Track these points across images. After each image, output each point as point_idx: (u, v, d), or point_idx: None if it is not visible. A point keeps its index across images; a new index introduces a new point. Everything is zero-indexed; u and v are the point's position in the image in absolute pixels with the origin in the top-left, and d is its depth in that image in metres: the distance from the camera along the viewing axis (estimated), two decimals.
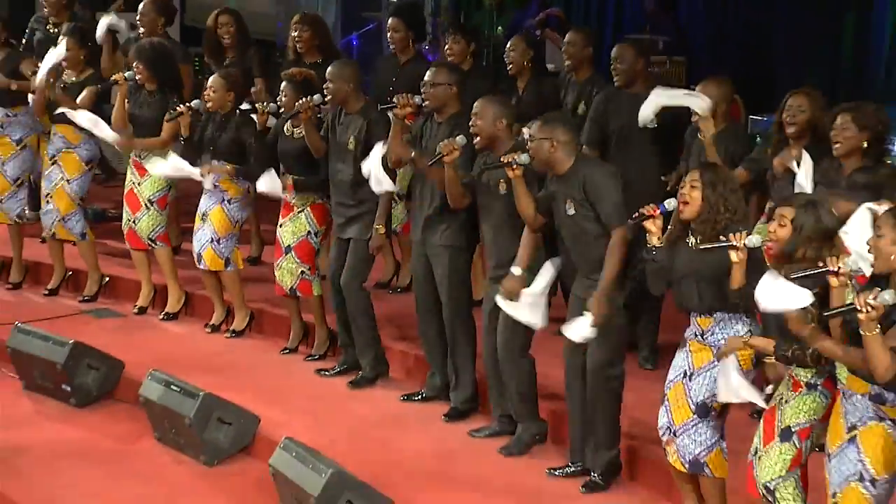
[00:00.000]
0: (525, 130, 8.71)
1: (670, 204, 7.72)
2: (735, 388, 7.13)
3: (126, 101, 11.42)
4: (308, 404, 10.05)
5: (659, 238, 7.65)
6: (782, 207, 7.02)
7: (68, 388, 10.33)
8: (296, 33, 12.08)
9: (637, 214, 7.83)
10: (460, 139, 8.87)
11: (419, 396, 10.05)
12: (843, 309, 6.10)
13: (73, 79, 11.80)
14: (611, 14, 15.57)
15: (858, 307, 5.90)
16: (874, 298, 5.86)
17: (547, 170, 8.49)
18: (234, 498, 9.06)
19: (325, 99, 10.06)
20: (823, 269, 6.36)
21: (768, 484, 7.05)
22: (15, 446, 9.61)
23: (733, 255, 6.99)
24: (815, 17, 13.75)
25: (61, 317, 11.60)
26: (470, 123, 9.00)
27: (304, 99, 9.94)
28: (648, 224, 7.67)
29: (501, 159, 8.53)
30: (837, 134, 8.39)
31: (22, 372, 10.63)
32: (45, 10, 13.16)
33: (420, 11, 13.29)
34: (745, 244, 6.95)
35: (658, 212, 7.70)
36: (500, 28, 15.38)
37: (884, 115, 8.65)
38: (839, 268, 6.26)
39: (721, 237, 7.18)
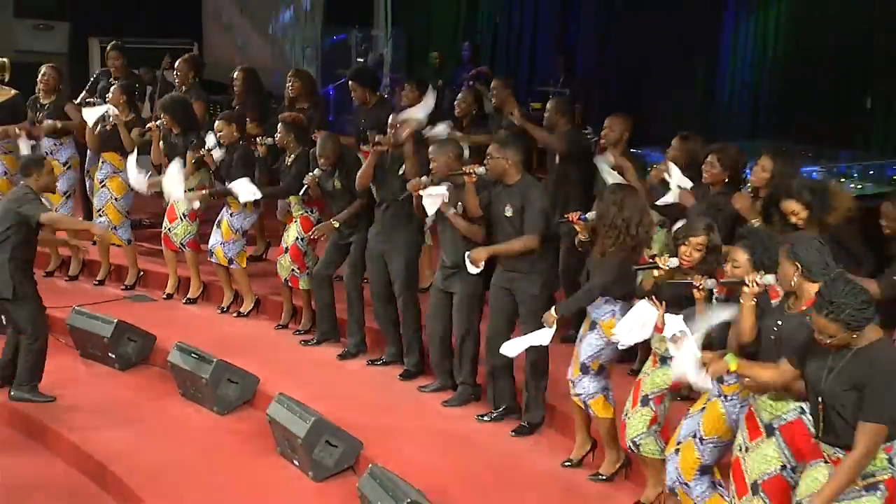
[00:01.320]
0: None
1: (591, 215, 7.84)
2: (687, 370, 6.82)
3: (160, 142, 11.55)
4: (296, 367, 10.15)
5: (585, 235, 7.86)
6: (696, 235, 7.03)
7: (113, 356, 10.47)
8: (290, 84, 12.11)
9: (563, 217, 8.16)
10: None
11: (380, 361, 10.14)
12: (733, 280, 6.38)
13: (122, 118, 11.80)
14: (525, 70, 15.58)
15: (747, 282, 6.12)
16: (760, 278, 6.11)
17: (499, 179, 8.56)
18: (240, 438, 9.17)
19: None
20: (687, 282, 6.65)
21: (634, 439, 7.29)
22: (72, 400, 9.75)
23: (656, 272, 7.14)
24: (675, 71, 13.89)
25: (108, 301, 11.66)
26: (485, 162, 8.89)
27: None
28: (577, 226, 7.88)
29: (463, 168, 8.65)
30: (706, 169, 8.47)
31: (78, 343, 10.74)
32: (112, 69, 13.17)
33: (370, 72, 13.35)
34: (668, 266, 7.05)
35: (579, 218, 7.86)
36: (440, 81, 15.39)
37: (742, 156, 8.74)
38: (701, 284, 6.58)
39: (650, 259, 7.33)
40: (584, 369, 7.80)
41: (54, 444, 9.21)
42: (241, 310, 11.44)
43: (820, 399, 5.51)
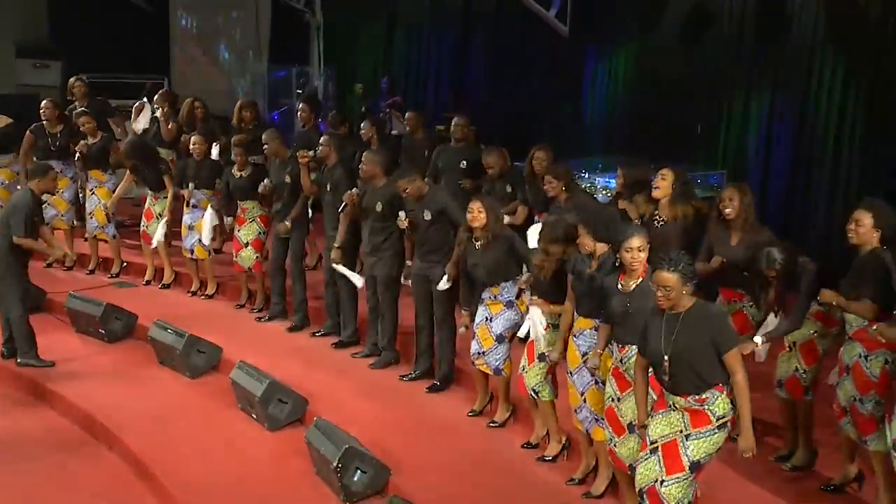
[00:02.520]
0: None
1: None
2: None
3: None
4: (253, 339, 10.04)
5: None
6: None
7: (103, 332, 10.35)
8: (242, 112, 12.11)
9: None
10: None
11: (320, 333, 10.07)
12: None
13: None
14: (431, 99, 15.57)
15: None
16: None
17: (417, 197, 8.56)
18: (207, 397, 9.12)
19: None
20: None
21: (534, 387, 7.26)
22: (70, 367, 9.64)
23: None
24: (548, 102, 14.00)
25: (97, 287, 11.49)
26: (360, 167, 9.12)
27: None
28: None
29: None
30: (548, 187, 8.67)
31: (73, 321, 10.59)
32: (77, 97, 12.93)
33: (317, 99, 13.27)
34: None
35: None
36: (364, 108, 15.39)
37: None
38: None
39: None
40: (500, 340, 7.79)
41: (56, 403, 9.11)
42: (207, 292, 11.30)
43: (666, 358, 5.57)
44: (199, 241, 11.01)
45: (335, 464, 7.01)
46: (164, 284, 11.65)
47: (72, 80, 13.13)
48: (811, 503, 6.66)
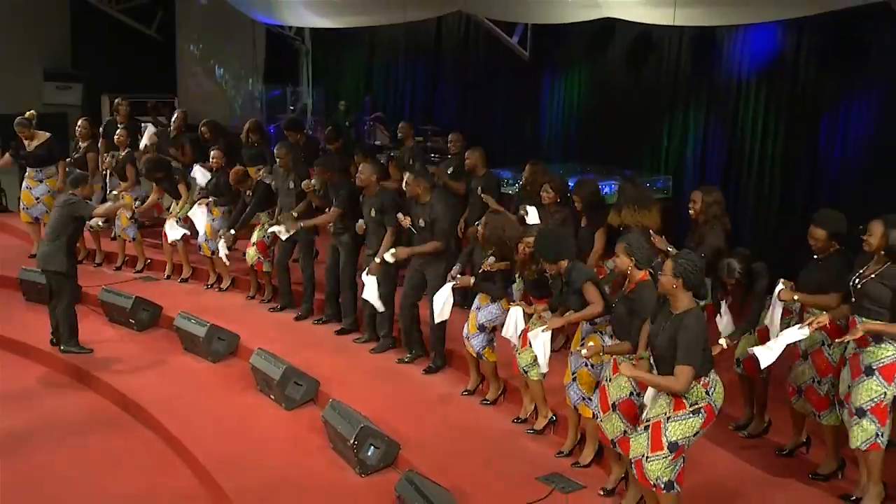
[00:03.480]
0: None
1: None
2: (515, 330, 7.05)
3: None
4: (265, 327, 9.66)
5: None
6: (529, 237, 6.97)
7: (133, 321, 9.92)
8: (246, 127, 11.87)
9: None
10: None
11: (322, 320, 9.71)
12: None
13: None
14: (407, 116, 15.16)
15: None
16: None
17: (416, 201, 8.26)
18: (228, 380, 8.73)
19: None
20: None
21: (525, 368, 7.01)
22: (105, 354, 9.22)
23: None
24: (511, 119, 13.78)
25: (125, 281, 11.02)
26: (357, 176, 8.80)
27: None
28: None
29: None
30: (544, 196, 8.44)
31: (106, 312, 10.14)
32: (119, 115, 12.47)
33: (297, 121, 12.87)
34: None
35: None
36: (347, 123, 15.04)
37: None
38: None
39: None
40: (482, 328, 7.55)
41: (97, 385, 8.70)
42: (221, 286, 10.89)
43: (652, 350, 5.42)
44: (207, 240, 10.64)
45: (352, 441, 6.73)
46: (183, 279, 11.22)
47: (117, 100, 12.67)
48: (765, 464, 6.55)
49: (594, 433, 6.56)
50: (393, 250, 8.28)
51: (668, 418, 5.35)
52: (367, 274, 8.59)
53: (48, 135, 11.95)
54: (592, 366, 6.40)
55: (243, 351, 9.06)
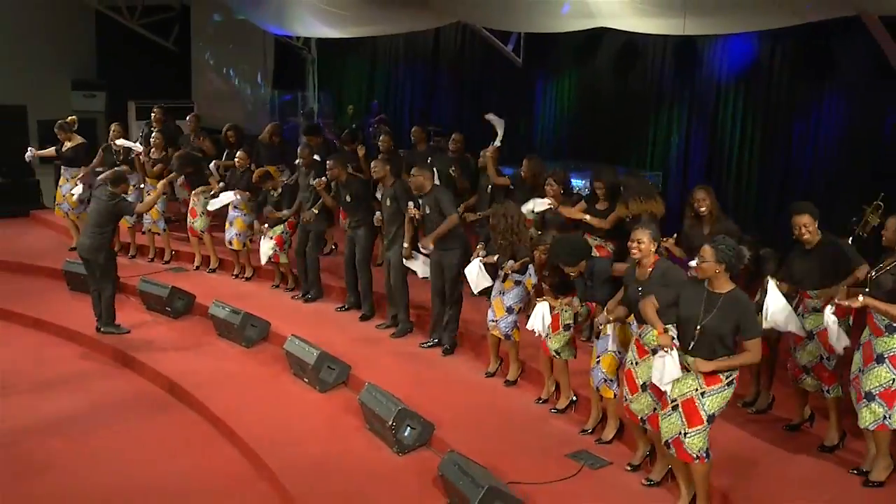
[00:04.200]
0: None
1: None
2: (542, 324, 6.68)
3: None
4: (289, 313, 9.25)
5: None
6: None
7: (169, 309, 9.50)
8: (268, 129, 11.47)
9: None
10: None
11: (344, 307, 9.30)
12: None
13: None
14: (407, 118, 14.86)
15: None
16: None
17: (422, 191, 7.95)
18: (262, 364, 8.35)
19: None
20: None
21: (557, 349, 6.67)
22: (147, 340, 8.82)
23: None
24: (508, 117, 13.19)
25: (156, 272, 10.52)
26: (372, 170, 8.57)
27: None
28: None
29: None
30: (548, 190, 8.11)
31: (144, 301, 9.70)
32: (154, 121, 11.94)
33: (318, 127, 12.44)
34: None
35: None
36: (354, 125, 14.58)
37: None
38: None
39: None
40: (510, 311, 7.22)
41: (141, 369, 8.32)
42: (246, 276, 10.47)
43: (699, 327, 5.04)
44: (237, 234, 10.20)
45: (390, 422, 6.41)
46: (210, 269, 10.78)
47: (154, 108, 12.10)
48: (772, 437, 6.27)
49: (615, 412, 6.30)
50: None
51: (703, 393, 5.08)
52: (406, 260, 8.22)
53: (81, 140, 11.54)
54: (618, 351, 6.11)
55: (273, 337, 8.69)
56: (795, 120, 10.21)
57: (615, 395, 6.20)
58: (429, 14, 12.31)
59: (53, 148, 11.71)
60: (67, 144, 11.42)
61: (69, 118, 11.65)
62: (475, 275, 7.34)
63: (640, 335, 5.67)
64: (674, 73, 11.35)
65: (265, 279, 10.36)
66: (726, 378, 5.07)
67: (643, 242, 5.57)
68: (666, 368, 5.08)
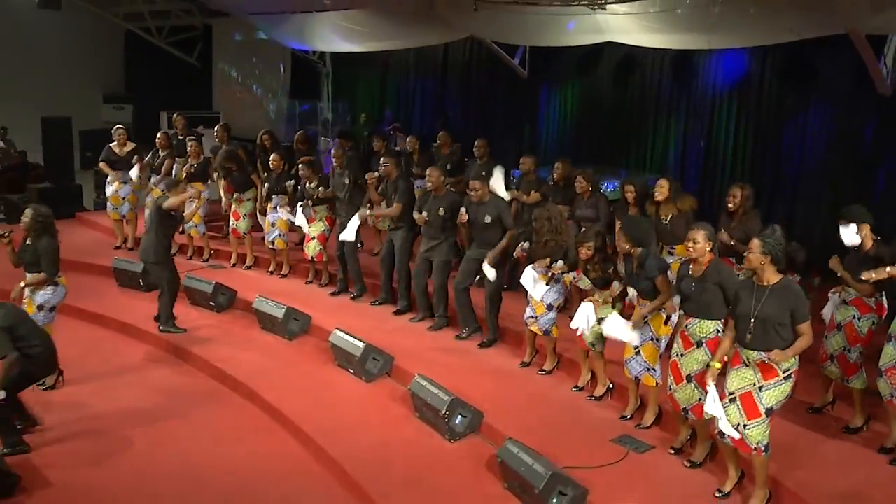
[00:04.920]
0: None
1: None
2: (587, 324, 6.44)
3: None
4: (328, 307, 8.87)
5: None
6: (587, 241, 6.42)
7: (213, 304, 9.14)
8: (297, 136, 11.15)
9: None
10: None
11: (378, 302, 8.97)
12: None
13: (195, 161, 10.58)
14: (417, 126, 14.49)
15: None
16: None
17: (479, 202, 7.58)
18: (306, 356, 8.01)
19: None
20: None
21: (592, 342, 6.44)
22: (193, 332, 8.49)
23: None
24: (512, 126, 13.14)
25: (196, 269, 10.09)
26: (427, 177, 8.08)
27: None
28: None
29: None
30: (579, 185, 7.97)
31: (189, 296, 9.26)
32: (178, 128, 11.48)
33: (349, 132, 12.16)
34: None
35: None
36: (367, 132, 14.23)
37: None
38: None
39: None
40: (549, 308, 6.92)
41: (193, 361, 7.99)
42: (283, 273, 10.10)
43: (752, 319, 4.81)
44: (279, 235, 9.83)
45: (444, 411, 6.13)
46: (247, 266, 10.41)
47: (175, 115, 11.75)
48: (798, 420, 6.05)
49: (655, 399, 6.05)
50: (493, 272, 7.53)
51: (761, 387, 4.85)
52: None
53: (134, 145, 11.16)
54: (656, 339, 5.85)
55: (314, 330, 8.37)
56: (784, 127, 10.05)
57: (657, 383, 5.96)
58: (442, 29, 12.03)
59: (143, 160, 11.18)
60: (123, 149, 11.04)
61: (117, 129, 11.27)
62: (532, 283, 6.92)
63: (686, 327, 5.42)
64: (671, 84, 11.13)
65: (300, 276, 10.02)
66: (784, 372, 4.84)
67: (699, 242, 5.31)
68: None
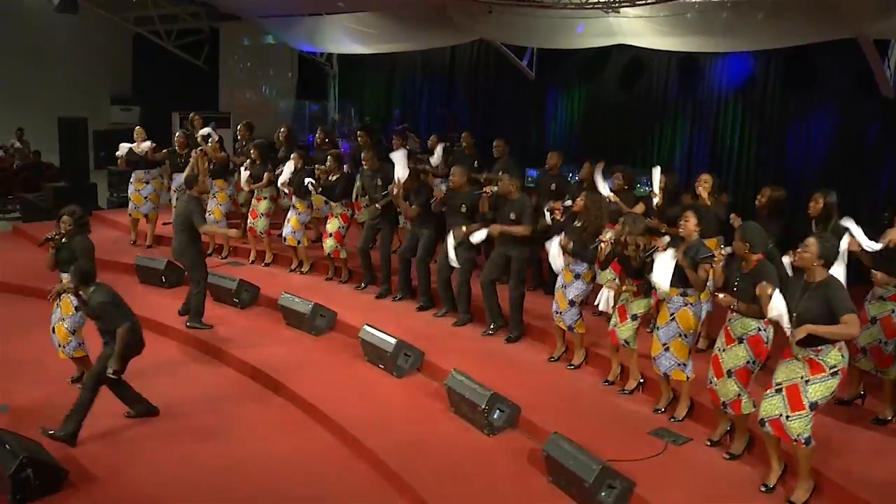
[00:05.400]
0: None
1: (568, 203, 7.34)
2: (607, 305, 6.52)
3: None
4: (351, 304, 8.69)
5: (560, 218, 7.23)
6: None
7: (237, 301, 8.97)
8: (317, 133, 11.02)
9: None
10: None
11: (398, 298, 8.82)
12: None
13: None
14: (424, 127, 14.34)
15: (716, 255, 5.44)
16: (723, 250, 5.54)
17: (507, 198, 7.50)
18: (334, 352, 7.83)
19: None
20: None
21: (626, 339, 6.33)
22: (220, 328, 8.28)
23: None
24: (520, 128, 12.97)
25: (215, 266, 9.72)
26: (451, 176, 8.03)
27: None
28: (557, 212, 7.28)
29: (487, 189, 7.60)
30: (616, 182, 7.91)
31: (213, 293, 9.00)
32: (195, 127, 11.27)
33: (372, 127, 12.11)
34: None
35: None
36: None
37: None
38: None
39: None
40: (572, 304, 6.83)
41: (223, 357, 7.81)
42: (302, 270, 9.93)
43: (794, 315, 4.75)
44: (291, 232, 9.67)
45: (483, 406, 6.00)
46: (265, 263, 10.24)
47: (192, 115, 11.55)
48: (827, 411, 5.77)
49: (688, 392, 5.96)
50: (483, 232, 7.46)
51: (807, 381, 4.76)
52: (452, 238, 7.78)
53: (153, 144, 10.94)
54: (685, 335, 5.77)
55: (343, 326, 8.23)
56: (789, 128, 10.01)
57: (687, 378, 5.87)
58: (452, 32, 11.90)
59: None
60: (141, 147, 10.85)
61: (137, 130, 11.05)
62: (556, 251, 6.77)
63: (728, 322, 5.32)
64: (678, 86, 11.06)
65: (319, 273, 9.87)
66: (830, 368, 4.75)
67: (735, 241, 5.23)
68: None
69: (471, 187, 7.95)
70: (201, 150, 9.98)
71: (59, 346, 6.71)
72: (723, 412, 5.50)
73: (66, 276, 6.64)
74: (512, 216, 7.43)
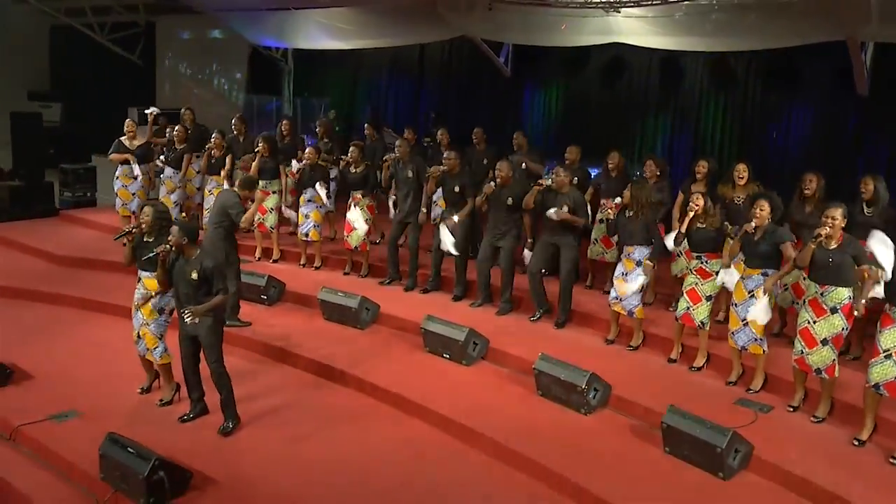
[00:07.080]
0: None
1: (618, 200, 7.82)
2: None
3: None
4: (386, 297, 8.75)
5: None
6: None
7: (265, 297, 9.08)
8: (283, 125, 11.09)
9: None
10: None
11: (426, 290, 9.10)
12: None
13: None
14: (391, 118, 14.46)
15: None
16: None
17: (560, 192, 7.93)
18: (388, 345, 7.98)
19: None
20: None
21: (702, 320, 6.87)
22: (261, 326, 8.31)
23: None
24: (496, 125, 13.02)
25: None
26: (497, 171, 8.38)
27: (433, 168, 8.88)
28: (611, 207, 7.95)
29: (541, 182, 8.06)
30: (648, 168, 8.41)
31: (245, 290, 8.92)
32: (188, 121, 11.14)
33: (379, 120, 12.44)
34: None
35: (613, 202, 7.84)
36: (337, 128, 13.98)
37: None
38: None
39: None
40: (638, 291, 7.33)
41: (290, 359, 7.81)
42: (316, 265, 10.02)
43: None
44: (314, 226, 9.77)
45: (583, 386, 6.42)
46: (273, 260, 10.24)
47: (183, 109, 11.35)
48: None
49: (762, 364, 6.57)
50: (553, 210, 7.83)
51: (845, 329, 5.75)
52: (443, 226, 8.35)
53: (144, 139, 10.83)
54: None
55: (384, 318, 8.44)
56: (769, 123, 10.82)
57: (764, 351, 6.50)
58: (437, 28, 12.09)
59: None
60: (134, 142, 10.72)
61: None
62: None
63: (820, 295, 5.94)
64: (659, 83, 11.72)
65: (332, 268, 9.98)
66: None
67: (836, 219, 5.85)
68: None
69: (515, 179, 8.33)
70: (257, 151, 9.89)
71: (147, 350, 6.67)
72: (803, 378, 6.15)
73: (146, 275, 6.58)
74: (565, 209, 7.83)
